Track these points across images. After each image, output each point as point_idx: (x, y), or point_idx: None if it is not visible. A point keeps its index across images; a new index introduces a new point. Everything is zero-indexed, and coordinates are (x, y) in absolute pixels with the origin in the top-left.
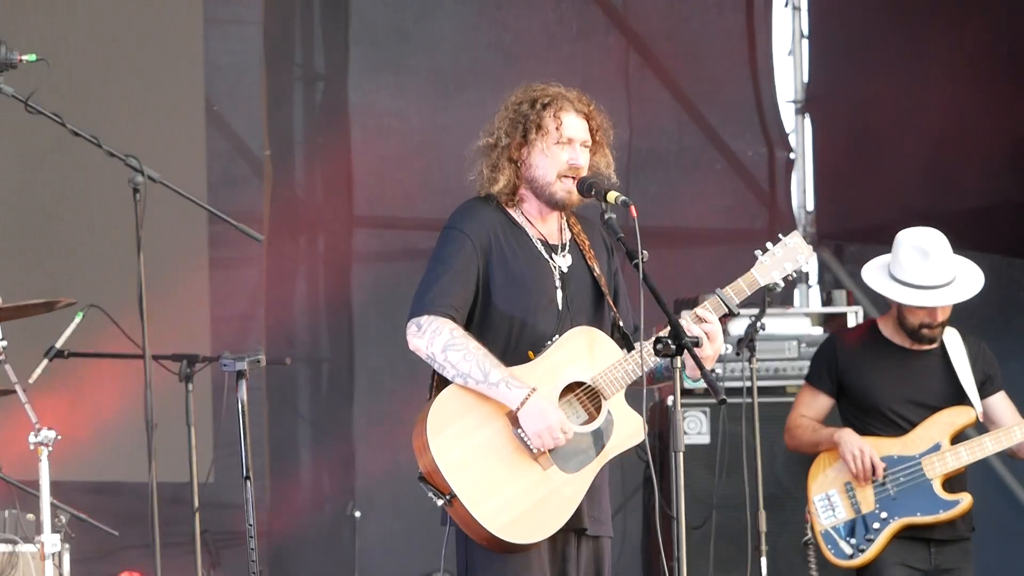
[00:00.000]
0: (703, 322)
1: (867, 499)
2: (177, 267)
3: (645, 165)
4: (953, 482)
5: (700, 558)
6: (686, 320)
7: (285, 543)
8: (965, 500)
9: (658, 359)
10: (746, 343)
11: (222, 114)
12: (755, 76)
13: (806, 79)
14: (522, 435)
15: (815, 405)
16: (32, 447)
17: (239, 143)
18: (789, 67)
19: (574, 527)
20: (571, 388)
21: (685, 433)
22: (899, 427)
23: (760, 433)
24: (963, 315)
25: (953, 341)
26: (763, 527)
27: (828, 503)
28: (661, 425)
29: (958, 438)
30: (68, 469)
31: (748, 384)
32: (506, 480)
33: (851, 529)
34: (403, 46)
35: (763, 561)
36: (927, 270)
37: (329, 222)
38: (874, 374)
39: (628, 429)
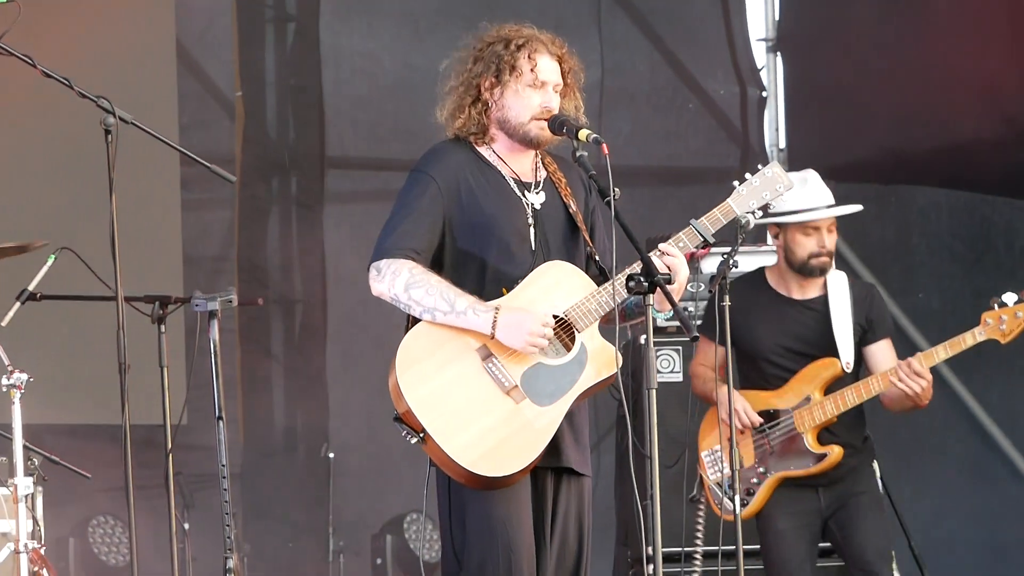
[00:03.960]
0: (666, 255)
1: (748, 453)
2: (149, 209)
3: (617, 105)
4: (839, 429)
5: (673, 496)
6: (655, 256)
7: (259, 484)
8: (833, 453)
9: (629, 295)
10: (718, 281)
11: (193, 55)
12: (727, 15)
13: (777, 17)
14: (493, 369)
15: (710, 353)
16: (4, 390)
17: (210, 84)
18: (760, 5)
19: (560, 466)
20: None
21: (658, 371)
22: (780, 377)
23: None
24: (936, 252)
25: (837, 285)
26: (736, 465)
27: (714, 458)
28: (634, 363)
29: (832, 388)
30: (41, 412)
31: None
32: (478, 414)
33: (734, 483)
34: None
35: (736, 499)
36: (808, 194)
37: (301, 163)
38: (756, 323)
39: (602, 360)
